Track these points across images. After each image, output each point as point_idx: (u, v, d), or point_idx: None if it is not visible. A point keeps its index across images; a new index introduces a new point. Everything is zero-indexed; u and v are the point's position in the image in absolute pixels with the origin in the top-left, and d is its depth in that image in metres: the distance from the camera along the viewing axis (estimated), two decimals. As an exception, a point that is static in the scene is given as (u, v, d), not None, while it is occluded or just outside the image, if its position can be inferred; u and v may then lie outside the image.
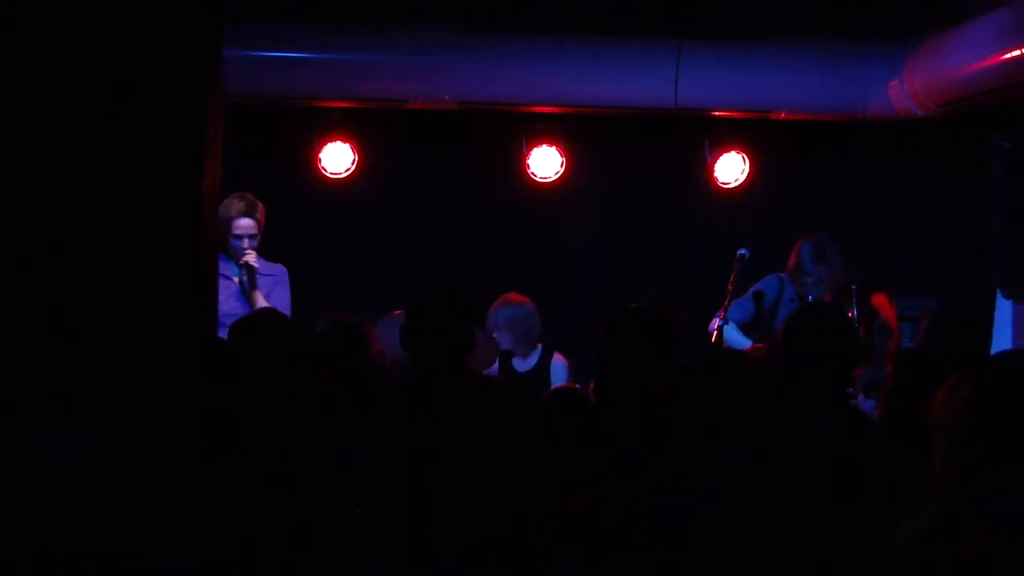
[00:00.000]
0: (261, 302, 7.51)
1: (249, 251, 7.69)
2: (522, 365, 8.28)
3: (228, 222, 7.57)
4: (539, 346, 8.28)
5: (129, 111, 2.49)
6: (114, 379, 2.52)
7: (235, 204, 7.66)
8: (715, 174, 9.60)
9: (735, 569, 3.18)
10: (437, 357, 5.14)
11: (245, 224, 7.72)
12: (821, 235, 7.81)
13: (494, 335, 8.15)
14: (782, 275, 7.97)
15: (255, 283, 7.61)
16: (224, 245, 7.59)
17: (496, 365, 7.98)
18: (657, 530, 2.10)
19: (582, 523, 2.05)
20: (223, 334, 5.35)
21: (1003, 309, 8.10)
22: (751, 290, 8.03)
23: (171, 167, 2.50)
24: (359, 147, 9.51)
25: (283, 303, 7.75)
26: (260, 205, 7.81)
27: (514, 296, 8.30)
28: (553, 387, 8.02)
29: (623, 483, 2.15)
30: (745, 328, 7.93)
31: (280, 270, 7.91)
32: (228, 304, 6.98)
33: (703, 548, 2.10)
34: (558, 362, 8.23)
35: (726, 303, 7.69)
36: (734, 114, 9.28)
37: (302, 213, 9.83)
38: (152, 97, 2.50)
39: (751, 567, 3.33)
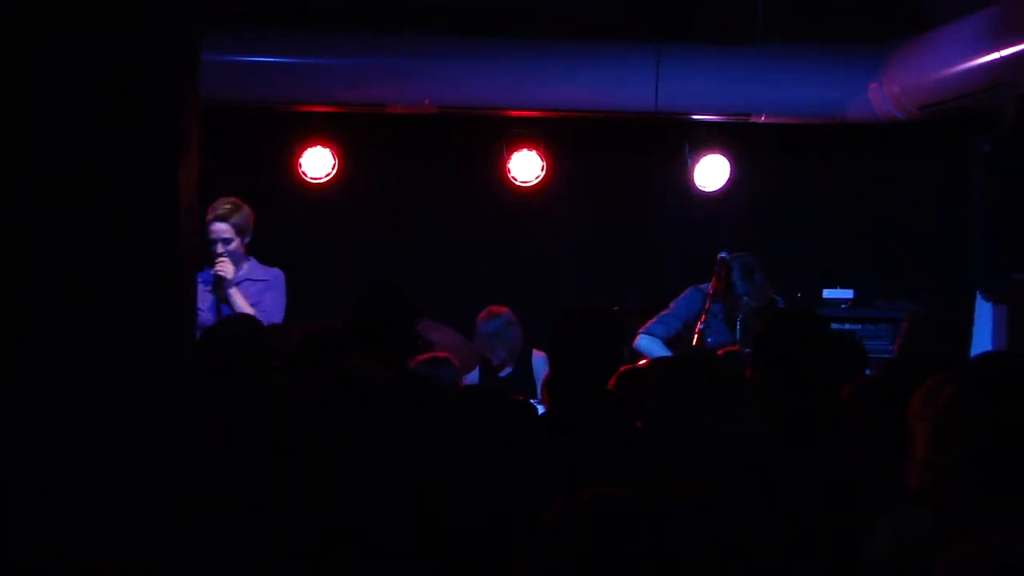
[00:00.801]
0: (242, 308, 7.34)
1: (222, 259, 7.46)
2: (504, 372, 8.29)
3: (206, 227, 7.41)
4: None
5: (103, 115, 2.48)
6: (83, 381, 2.51)
7: (213, 207, 7.52)
8: (695, 177, 9.60)
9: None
10: (377, 358, 5.19)
11: (217, 228, 7.51)
12: (746, 256, 7.80)
13: (485, 352, 8.19)
14: (703, 287, 7.94)
15: (222, 292, 7.39)
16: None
17: (476, 373, 8.00)
18: (640, 539, 2.08)
19: (562, 533, 2.03)
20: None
21: (983, 311, 8.11)
22: (676, 307, 7.97)
23: (145, 171, 2.48)
24: (340, 152, 9.51)
25: (275, 308, 7.56)
26: (245, 209, 7.60)
27: (492, 310, 8.33)
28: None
29: (603, 491, 2.14)
30: (667, 342, 7.92)
31: (274, 275, 7.74)
32: (203, 315, 6.78)
33: (685, 557, 2.09)
34: (539, 357, 8.24)
35: (707, 306, 7.68)
36: (714, 117, 9.28)
37: (283, 218, 9.81)
38: (126, 101, 2.49)
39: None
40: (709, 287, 7.72)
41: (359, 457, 4.00)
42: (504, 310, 8.29)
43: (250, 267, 7.68)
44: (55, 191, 2.49)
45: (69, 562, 2.57)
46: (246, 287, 7.57)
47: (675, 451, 4.40)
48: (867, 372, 6.28)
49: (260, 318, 6.03)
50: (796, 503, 3.95)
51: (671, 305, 7.99)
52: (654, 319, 7.92)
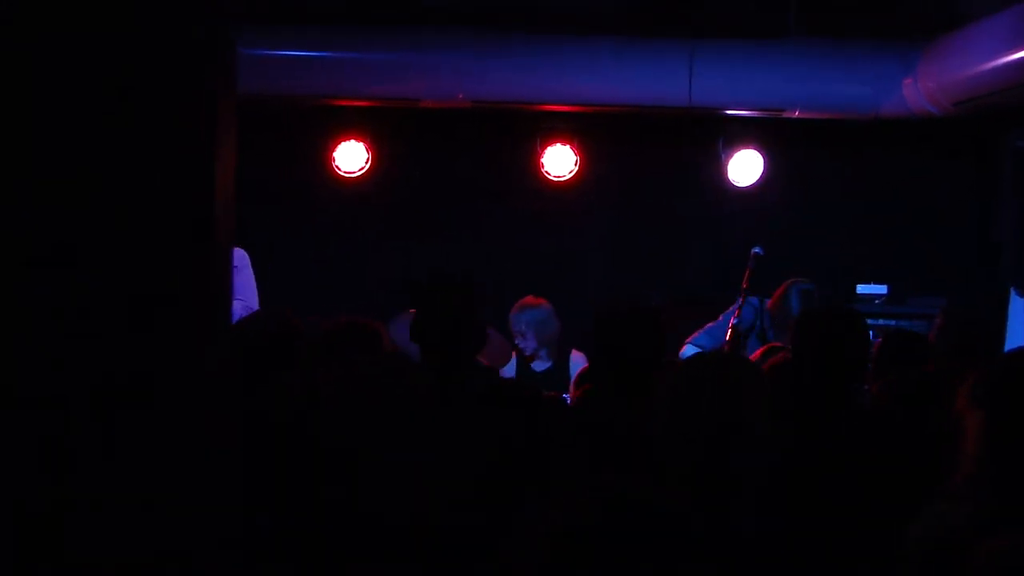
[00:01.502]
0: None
1: None
2: (539, 365, 8.29)
3: None
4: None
5: (137, 110, 2.48)
6: (122, 381, 2.51)
7: None
8: (729, 173, 9.60)
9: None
10: (447, 351, 5.05)
11: None
12: (810, 284, 7.76)
13: (517, 340, 8.16)
14: (755, 302, 7.90)
15: None
16: None
17: (512, 365, 7.99)
18: (650, 531, 2.08)
19: (573, 520, 2.03)
20: None
21: (1016, 307, 8.09)
22: (725, 319, 7.94)
23: (180, 167, 2.48)
24: (373, 146, 9.55)
25: (248, 291, 7.33)
26: None
27: (531, 299, 8.30)
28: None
29: (616, 481, 2.14)
30: None
31: (237, 256, 7.31)
32: None
33: (694, 551, 2.09)
34: (577, 357, 8.24)
35: (741, 301, 7.67)
36: (748, 113, 9.27)
37: (316, 212, 9.86)
38: (160, 96, 2.49)
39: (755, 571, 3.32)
40: (740, 300, 7.70)
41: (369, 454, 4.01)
42: (543, 301, 8.27)
43: None
44: (87, 187, 2.49)
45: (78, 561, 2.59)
46: None
47: (680, 450, 4.41)
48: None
49: (236, 307, 5.92)
50: (818, 501, 3.95)
51: (719, 317, 7.97)
52: (701, 330, 7.89)
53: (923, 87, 8.46)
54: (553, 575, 2.00)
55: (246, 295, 7.33)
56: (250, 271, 7.50)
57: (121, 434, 2.47)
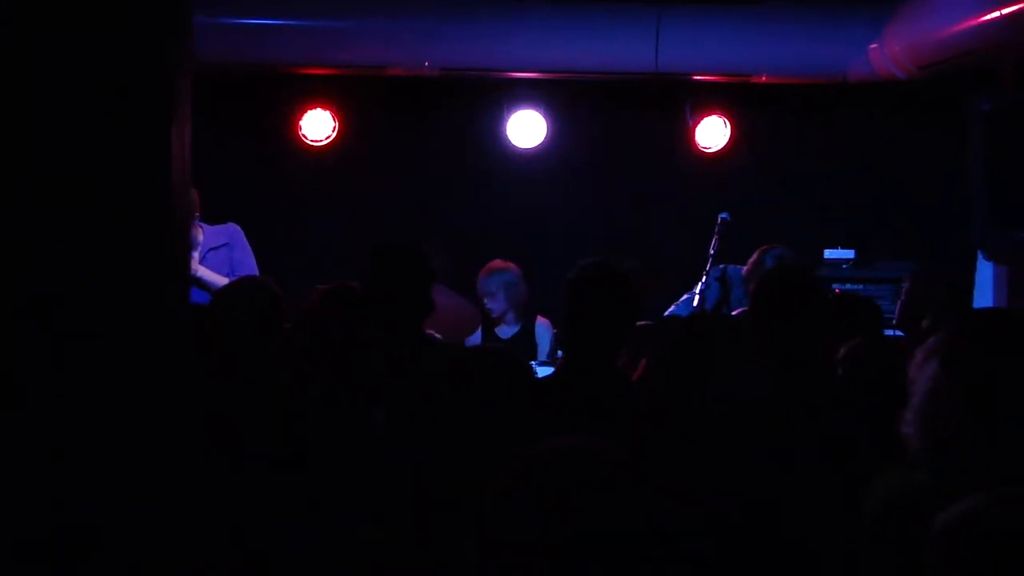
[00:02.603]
0: (217, 283, 6.97)
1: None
2: (506, 332, 8.30)
3: None
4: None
5: (87, 79, 2.46)
6: (76, 355, 2.50)
7: None
8: (697, 138, 9.61)
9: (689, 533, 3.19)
10: (393, 322, 5.10)
11: None
12: (785, 249, 7.74)
13: (485, 301, 8.16)
14: (728, 269, 7.90)
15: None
16: None
17: (479, 333, 8.00)
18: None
19: (523, 483, 2.03)
20: None
21: (984, 271, 8.12)
22: (699, 290, 7.95)
23: (135, 134, 2.46)
24: (340, 115, 9.52)
25: (248, 266, 7.28)
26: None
27: (499, 262, 8.30)
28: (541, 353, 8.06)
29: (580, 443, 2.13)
30: None
31: (231, 232, 7.42)
32: None
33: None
34: (542, 323, 8.25)
35: (708, 268, 7.68)
36: (715, 78, 9.26)
37: (283, 180, 9.83)
38: (114, 62, 2.47)
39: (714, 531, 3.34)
40: (709, 266, 7.70)
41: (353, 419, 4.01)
42: (511, 264, 8.27)
43: (205, 236, 7.31)
44: (35, 157, 2.47)
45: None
46: (211, 258, 7.26)
47: (673, 408, 4.42)
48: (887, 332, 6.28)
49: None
50: (794, 462, 3.96)
51: (695, 289, 7.97)
52: (676, 303, 7.89)
53: (889, 51, 8.46)
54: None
55: (250, 271, 7.24)
56: (245, 247, 7.43)
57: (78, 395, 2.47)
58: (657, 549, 2.02)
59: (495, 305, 8.18)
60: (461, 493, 3.21)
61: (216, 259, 7.28)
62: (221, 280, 6.97)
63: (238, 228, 7.50)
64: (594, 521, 1.98)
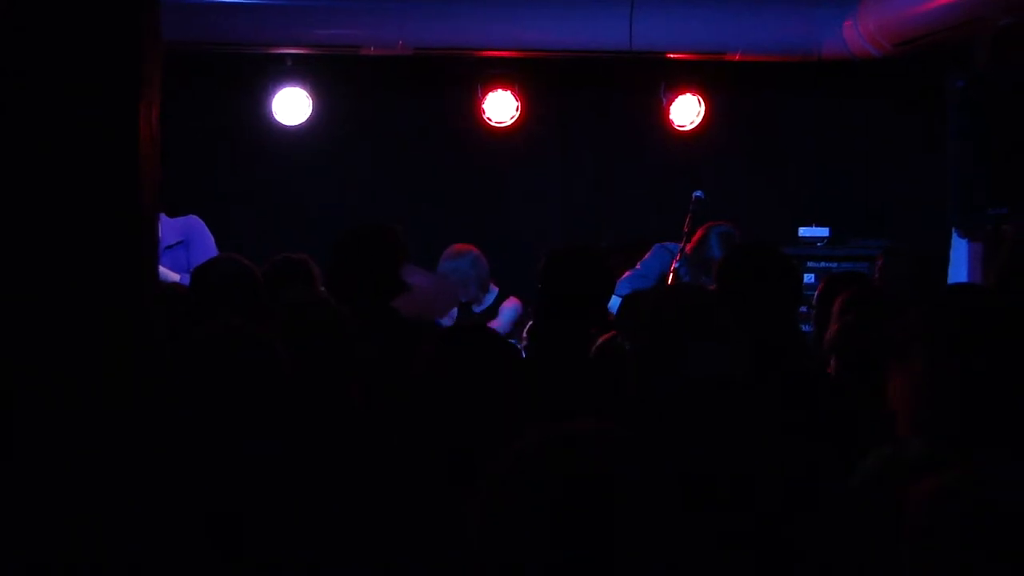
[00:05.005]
0: (173, 278, 6.86)
1: None
2: (477, 307, 8.30)
3: None
4: (494, 288, 8.32)
5: (53, 57, 2.41)
6: (40, 346, 2.45)
7: None
8: (671, 116, 9.59)
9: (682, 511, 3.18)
10: (362, 301, 5.09)
11: None
12: (729, 227, 7.73)
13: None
14: (669, 245, 7.90)
15: None
16: None
17: (455, 312, 7.99)
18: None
19: (527, 464, 2.01)
20: None
21: (959, 248, 8.13)
22: (644, 267, 7.94)
23: (102, 111, 2.42)
24: (314, 94, 9.47)
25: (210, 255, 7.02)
26: None
27: (461, 246, 8.30)
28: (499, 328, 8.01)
29: (578, 427, 2.11)
30: None
31: (190, 226, 7.34)
32: None
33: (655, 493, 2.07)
34: (506, 305, 8.24)
35: (682, 245, 7.68)
36: (689, 56, 9.24)
37: (257, 161, 9.78)
38: (80, 36, 2.42)
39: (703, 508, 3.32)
40: (680, 244, 7.70)
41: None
42: (469, 248, 8.26)
43: (163, 231, 7.01)
44: (11, 134, 2.42)
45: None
46: (166, 256, 7.07)
47: (654, 376, 4.40)
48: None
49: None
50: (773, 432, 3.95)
51: (638, 265, 7.98)
52: (622, 278, 7.86)
53: (863, 28, 8.46)
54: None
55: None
56: (206, 240, 7.31)
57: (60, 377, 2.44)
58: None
59: (467, 292, 8.18)
60: (457, 474, 3.20)
61: (170, 258, 7.17)
62: (174, 276, 6.88)
63: (198, 220, 7.41)
64: (603, 501, 1.97)
